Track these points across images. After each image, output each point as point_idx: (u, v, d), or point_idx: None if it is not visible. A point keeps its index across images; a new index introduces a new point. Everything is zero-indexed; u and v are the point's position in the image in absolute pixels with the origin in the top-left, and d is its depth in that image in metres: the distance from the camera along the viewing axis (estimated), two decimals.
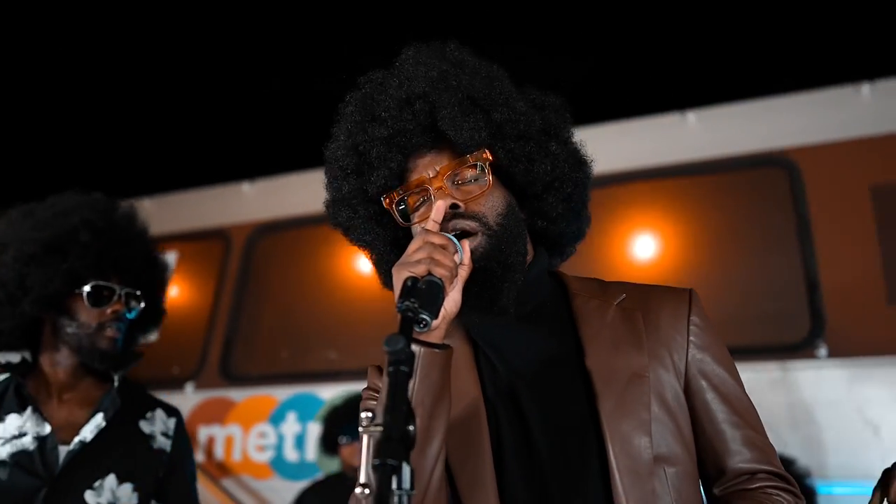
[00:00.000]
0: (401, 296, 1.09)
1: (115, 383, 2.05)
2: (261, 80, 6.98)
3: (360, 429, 0.94)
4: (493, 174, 1.31)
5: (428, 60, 1.34)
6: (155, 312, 2.21)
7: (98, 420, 1.98)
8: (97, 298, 2.00)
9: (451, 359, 1.20)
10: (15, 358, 2.06)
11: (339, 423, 3.75)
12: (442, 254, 1.16)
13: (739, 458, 1.27)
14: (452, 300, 1.19)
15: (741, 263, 3.95)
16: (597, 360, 1.26)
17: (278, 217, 4.87)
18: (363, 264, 4.82)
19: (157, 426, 2.10)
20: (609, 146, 3.57)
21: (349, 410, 3.77)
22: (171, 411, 2.16)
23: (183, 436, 2.15)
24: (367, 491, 0.90)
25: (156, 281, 2.19)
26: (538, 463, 1.21)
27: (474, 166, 1.30)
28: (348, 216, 1.40)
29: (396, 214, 1.33)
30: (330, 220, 1.45)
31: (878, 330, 3.32)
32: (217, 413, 4.44)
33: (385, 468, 0.81)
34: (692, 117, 4.07)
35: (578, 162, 1.39)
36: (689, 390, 1.28)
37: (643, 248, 4.09)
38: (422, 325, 1.08)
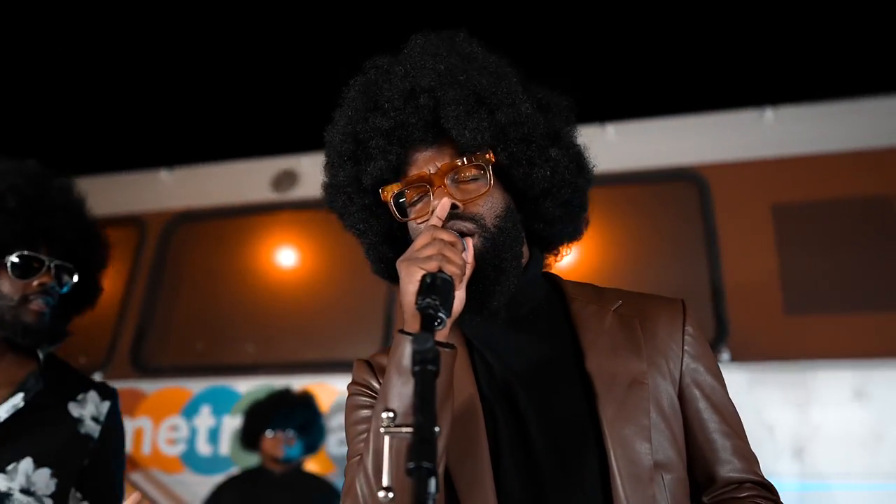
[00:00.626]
0: (420, 293, 1.07)
1: (40, 361, 1.90)
2: (187, 67, 6.76)
3: (381, 429, 0.91)
4: (493, 175, 1.27)
5: (436, 51, 1.29)
6: (90, 289, 2.05)
7: (16, 400, 1.82)
8: (23, 269, 1.83)
9: (455, 359, 1.18)
10: None
11: (264, 417, 3.70)
12: (452, 251, 1.14)
13: (729, 467, 1.29)
14: (458, 299, 1.16)
15: (651, 270, 4.14)
16: (597, 364, 1.26)
17: (197, 206, 4.76)
18: (283, 257, 4.78)
19: (87, 409, 1.92)
20: None
21: (273, 404, 3.73)
22: (107, 394, 1.98)
23: (114, 422, 1.97)
24: (390, 495, 0.87)
25: (93, 255, 2.02)
26: (535, 461, 1.21)
27: (476, 166, 1.26)
28: (343, 203, 1.36)
29: (394, 209, 1.30)
30: (327, 204, 1.40)
31: (775, 337, 3.57)
32: (126, 405, 4.23)
33: (421, 471, 0.78)
34: (611, 130, 4.24)
35: (580, 167, 1.36)
36: (682, 398, 1.30)
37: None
38: (437, 324, 1.05)
